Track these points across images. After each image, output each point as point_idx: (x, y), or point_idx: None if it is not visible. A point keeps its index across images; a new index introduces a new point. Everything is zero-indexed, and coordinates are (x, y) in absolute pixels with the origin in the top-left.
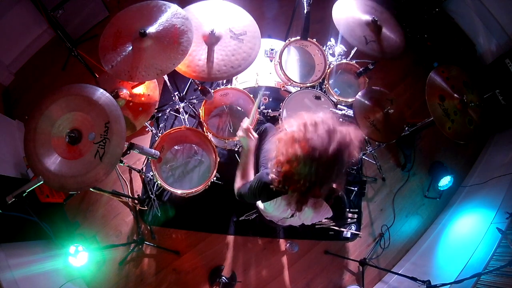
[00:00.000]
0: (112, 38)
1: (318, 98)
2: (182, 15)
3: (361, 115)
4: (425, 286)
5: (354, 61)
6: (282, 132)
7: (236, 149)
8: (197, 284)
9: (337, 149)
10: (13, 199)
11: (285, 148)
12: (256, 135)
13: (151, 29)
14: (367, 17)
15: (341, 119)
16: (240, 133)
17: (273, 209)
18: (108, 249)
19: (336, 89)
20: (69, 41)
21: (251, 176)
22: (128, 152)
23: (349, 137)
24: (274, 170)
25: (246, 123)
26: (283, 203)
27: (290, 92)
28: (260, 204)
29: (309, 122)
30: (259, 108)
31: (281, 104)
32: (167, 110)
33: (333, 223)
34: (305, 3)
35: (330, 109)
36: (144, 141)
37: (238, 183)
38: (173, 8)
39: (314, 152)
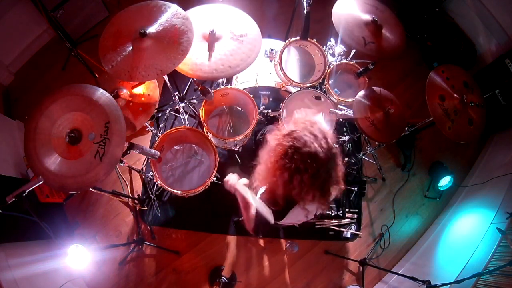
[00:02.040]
0: (112, 38)
1: (318, 98)
2: (182, 15)
3: (361, 114)
4: (425, 286)
5: (354, 61)
6: (263, 167)
7: (236, 149)
8: (197, 284)
9: (313, 143)
10: (13, 199)
11: (275, 173)
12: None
13: (151, 29)
14: (367, 17)
15: (341, 119)
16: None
17: (288, 219)
18: (108, 249)
19: (336, 89)
20: (69, 41)
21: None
22: (128, 152)
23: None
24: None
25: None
26: (297, 211)
27: (290, 92)
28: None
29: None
30: (258, 108)
31: (281, 104)
32: (167, 110)
33: (334, 223)
34: (305, 3)
35: (330, 109)
36: (144, 141)
37: (250, 223)
38: (173, 8)
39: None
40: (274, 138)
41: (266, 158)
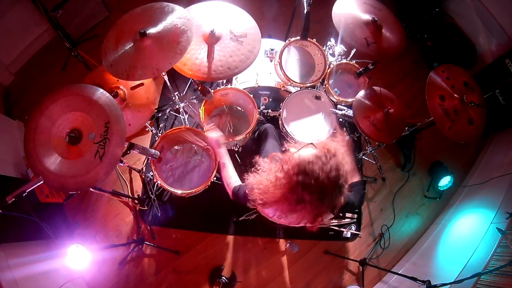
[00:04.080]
0: (114, 39)
1: (318, 98)
2: (184, 15)
3: (361, 115)
4: (425, 286)
5: (354, 61)
6: (267, 181)
7: (236, 149)
8: (197, 284)
9: (331, 173)
10: (13, 199)
11: (273, 195)
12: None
13: (152, 30)
14: (367, 17)
15: (341, 119)
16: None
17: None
18: (108, 249)
19: (336, 89)
20: (69, 41)
21: (234, 175)
22: (128, 152)
23: (342, 165)
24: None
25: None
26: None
27: (290, 92)
28: None
29: (294, 162)
30: (258, 108)
31: (281, 104)
32: (167, 110)
33: (334, 223)
34: (305, 3)
35: (330, 109)
36: (144, 141)
37: (228, 187)
38: (177, 11)
39: (308, 186)
40: (284, 167)
41: (270, 181)
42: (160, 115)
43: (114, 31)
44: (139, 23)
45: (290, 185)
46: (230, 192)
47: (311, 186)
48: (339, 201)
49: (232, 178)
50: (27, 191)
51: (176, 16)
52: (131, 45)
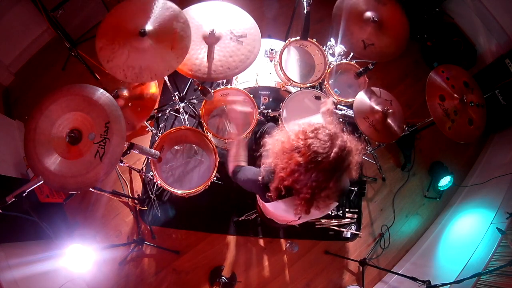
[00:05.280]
0: (110, 31)
1: (318, 98)
2: (183, 20)
3: (361, 115)
4: (425, 286)
5: (354, 61)
6: (278, 144)
7: None
8: (197, 284)
9: (339, 153)
10: (13, 199)
11: (286, 161)
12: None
13: (149, 26)
14: (368, 15)
15: (341, 119)
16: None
17: (274, 209)
18: (108, 249)
19: (336, 89)
20: (69, 41)
21: (243, 156)
22: (128, 152)
23: (350, 143)
24: (274, 184)
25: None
26: (283, 206)
27: (290, 92)
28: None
29: (309, 129)
30: (258, 108)
31: (281, 104)
32: (167, 110)
33: (334, 223)
34: (305, 3)
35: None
36: (144, 141)
37: (232, 162)
38: (173, 7)
39: (316, 157)
40: (296, 132)
41: (281, 143)
42: (160, 115)
43: (111, 21)
44: (137, 17)
45: (292, 139)
46: (232, 168)
47: (307, 134)
48: (342, 173)
49: (241, 157)
50: (27, 191)
51: (171, 13)
52: (130, 44)
